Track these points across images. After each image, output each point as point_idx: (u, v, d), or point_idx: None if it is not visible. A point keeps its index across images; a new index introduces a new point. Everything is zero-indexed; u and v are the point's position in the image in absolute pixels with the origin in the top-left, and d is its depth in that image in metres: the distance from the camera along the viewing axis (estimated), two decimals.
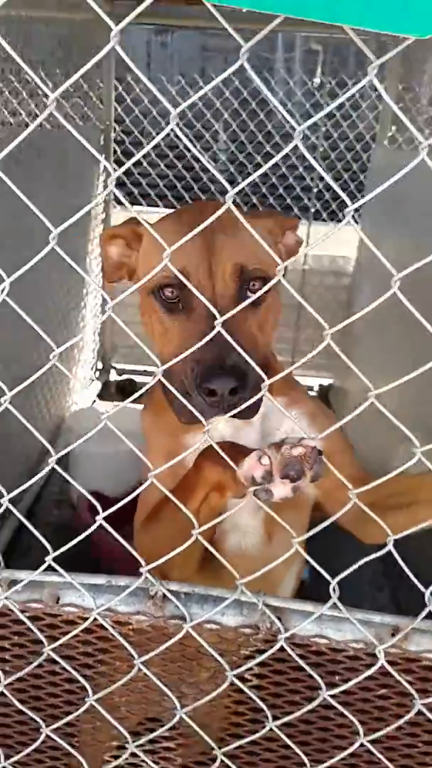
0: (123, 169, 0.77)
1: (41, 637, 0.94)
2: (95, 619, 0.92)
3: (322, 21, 0.64)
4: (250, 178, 0.76)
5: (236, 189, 0.73)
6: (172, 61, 4.44)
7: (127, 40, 3.70)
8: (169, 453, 0.95)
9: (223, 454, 0.86)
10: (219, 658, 0.92)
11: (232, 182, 3.88)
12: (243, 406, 0.88)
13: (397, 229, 2.63)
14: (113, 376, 3.78)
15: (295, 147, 0.72)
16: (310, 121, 0.73)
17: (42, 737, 0.99)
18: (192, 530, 0.90)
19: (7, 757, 1.03)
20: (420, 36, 0.62)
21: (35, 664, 0.95)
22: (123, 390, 3.67)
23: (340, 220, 3.64)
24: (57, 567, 0.91)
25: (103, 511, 0.89)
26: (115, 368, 3.78)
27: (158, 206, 3.36)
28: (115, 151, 3.33)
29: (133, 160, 0.78)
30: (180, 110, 0.71)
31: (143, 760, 1.01)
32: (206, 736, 0.97)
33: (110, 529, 0.91)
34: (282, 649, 0.91)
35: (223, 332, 0.76)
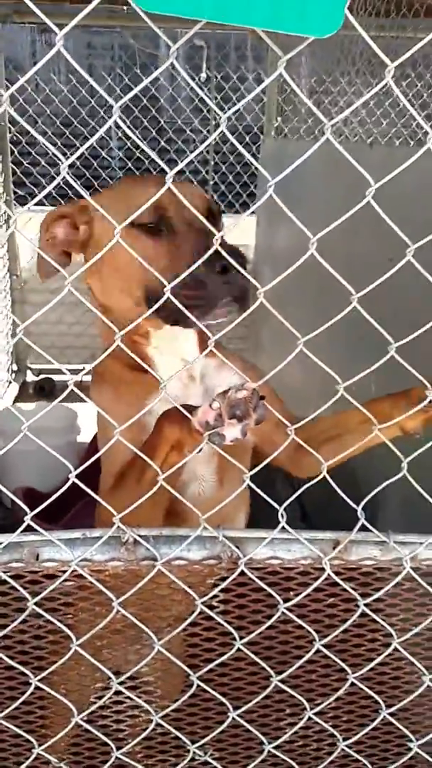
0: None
1: (25, 593, 1.02)
2: (74, 570, 1.02)
3: (238, 25, 0.76)
4: (194, 154, 0.87)
5: (180, 167, 0.85)
6: (59, 59, 4.41)
7: (11, 39, 3.70)
8: (129, 419, 1.05)
9: (181, 408, 0.98)
10: (188, 590, 1.04)
11: None
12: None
13: (289, 216, 2.83)
14: (30, 377, 3.80)
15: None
16: (239, 105, 0.86)
17: (31, 689, 1.08)
18: (157, 488, 1.01)
19: None
20: (319, 36, 0.76)
21: (20, 618, 1.03)
22: (41, 390, 3.69)
23: (237, 211, 3.81)
24: (36, 526, 0.99)
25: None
26: (31, 369, 3.79)
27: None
28: (12, 152, 3.34)
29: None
30: (122, 103, 0.81)
31: (127, 697, 1.12)
32: (182, 664, 1.09)
33: (88, 489, 1.01)
34: (242, 573, 1.04)
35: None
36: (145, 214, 1.10)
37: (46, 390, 3.68)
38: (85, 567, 1.03)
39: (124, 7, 3.15)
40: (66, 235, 1.26)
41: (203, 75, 3.30)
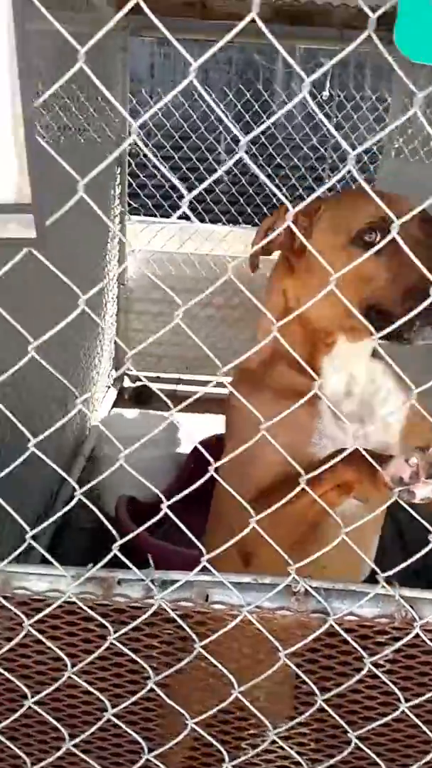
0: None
1: (191, 634, 1.00)
2: (243, 616, 0.99)
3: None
4: (334, 179, 0.84)
5: (320, 190, 0.81)
6: (176, 71, 4.52)
7: (132, 53, 3.76)
8: (291, 444, 1.01)
9: (368, 457, 0.94)
10: (358, 647, 1.00)
11: (244, 194, 3.95)
12: None
13: None
14: (127, 383, 3.84)
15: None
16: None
17: (188, 729, 1.06)
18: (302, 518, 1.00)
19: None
20: None
21: (187, 660, 1.01)
22: (138, 397, 3.72)
23: None
24: (209, 566, 0.97)
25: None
26: (128, 375, 3.83)
27: (170, 217, 3.43)
28: (129, 164, 3.39)
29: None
30: (275, 119, 0.78)
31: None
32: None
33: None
34: (416, 635, 0.99)
35: None
36: (365, 232, 1.14)
37: (143, 397, 3.70)
38: (253, 613, 1.00)
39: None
40: (287, 237, 1.22)
41: (326, 93, 3.27)
